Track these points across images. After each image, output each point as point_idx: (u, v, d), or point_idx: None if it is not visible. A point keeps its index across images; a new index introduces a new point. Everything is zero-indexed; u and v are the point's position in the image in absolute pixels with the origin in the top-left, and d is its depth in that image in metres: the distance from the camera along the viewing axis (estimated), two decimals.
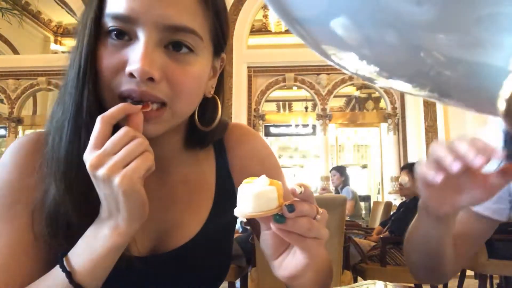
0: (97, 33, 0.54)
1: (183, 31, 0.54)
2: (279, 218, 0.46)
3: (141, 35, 0.52)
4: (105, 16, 0.54)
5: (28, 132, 7.34)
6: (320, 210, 0.48)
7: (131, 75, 0.51)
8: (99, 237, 0.50)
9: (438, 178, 0.54)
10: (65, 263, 0.50)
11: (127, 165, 0.47)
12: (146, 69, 0.51)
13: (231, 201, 0.70)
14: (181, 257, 0.63)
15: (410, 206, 3.39)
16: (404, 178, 3.45)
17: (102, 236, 0.49)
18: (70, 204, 0.52)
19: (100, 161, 0.47)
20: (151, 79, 0.52)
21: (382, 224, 3.78)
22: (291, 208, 0.45)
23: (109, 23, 0.53)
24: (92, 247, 0.50)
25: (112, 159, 0.47)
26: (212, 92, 0.64)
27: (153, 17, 0.52)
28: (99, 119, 0.49)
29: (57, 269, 0.50)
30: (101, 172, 0.46)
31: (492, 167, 0.50)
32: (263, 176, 0.47)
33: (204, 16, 0.57)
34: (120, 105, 0.50)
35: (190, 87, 0.56)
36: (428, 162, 0.58)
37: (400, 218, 3.36)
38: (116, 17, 0.53)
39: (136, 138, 0.48)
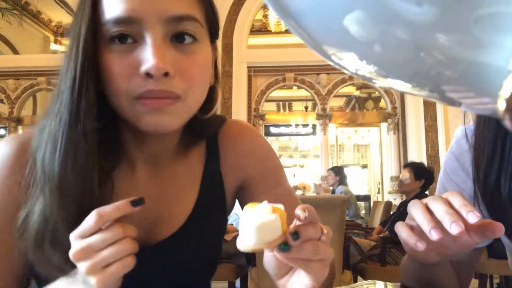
0: (96, 41, 0.53)
1: (185, 20, 0.55)
2: (284, 247, 0.43)
3: (147, 33, 0.53)
4: (105, 22, 0.53)
5: None
6: (325, 230, 0.46)
7: (147, 74, 0.52)
8: None
9: (421, 246, 0.53)
10: None
11: (108, 265, 0.47)
12: (161, 65, 0.51)
13: (219, 199, 0.70)
14: (168, 250, 0.63)
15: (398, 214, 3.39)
16: (405, 175, 3.43)
17: None
18: (59, 217, 0.51)
19: (83, 255, 0.46)
20: (166, 74, 0.52)
21: (382, 223, 3.78)
22: (296, 236, 0.43)
23: (112, 29, 0.53)
24: None
25: (95, 257, 0.46)
26: (213, 81, 0.65)
27: (155, 12, 0.53)
28: (95, 212, 0.47)
29: None
30: (81, 266, 0.46)
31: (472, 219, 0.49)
32: (265, 203, 0.44)
33: (199, 4, 0.58)
34: (119, 203, 0.49)
35: (201, 77, 0.57)
36: (408, 221, 0.57)
37: (400, 218, 3.36)
38: (118, 21, 0.52)
39: (124, 239, 0.48)
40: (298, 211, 0.44)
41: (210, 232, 0.69)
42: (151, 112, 0.54)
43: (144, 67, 0.51)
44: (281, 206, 0.45)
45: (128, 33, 0.53)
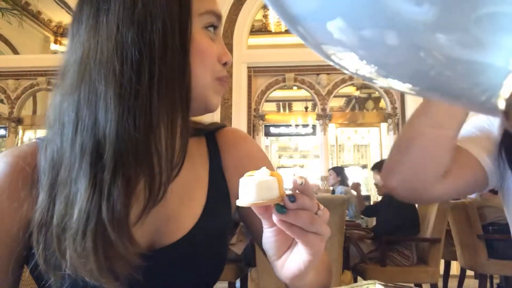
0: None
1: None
2: (280, 208, 0.46)
3: (219, 31, 0.66)
4: (205, 13, 0.62)
5: (28, 132, 7.34)
6: (321, 206, 0.49)
7: (225, 64, 0.66)
8: None
9: None
10: None
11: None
12: None
13: (224, 200, 0.71)
14: (178, 251, 0.64)
15: (384, 206, 3.43)
16: (377, 178, 3.48)
17: None
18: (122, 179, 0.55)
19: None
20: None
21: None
22: (292, 198, 0.45)
23: (209, 19, 0.63)
24: None
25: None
26: None
27: None
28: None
29: None
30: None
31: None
32: (264, 168, 0.47)
33: None
34: None
35: None
36: None
37: (385, 208, 3.39)
38: (215, 14, 0.64)
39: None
40: (295, 177, 0.47)
41: (218, 233, 0.70)
42: (220, 93, 0.66)
43: (227, 59, 0.65)
44: (279, 173, 0.47)
45: (217, 25, 0.65)
